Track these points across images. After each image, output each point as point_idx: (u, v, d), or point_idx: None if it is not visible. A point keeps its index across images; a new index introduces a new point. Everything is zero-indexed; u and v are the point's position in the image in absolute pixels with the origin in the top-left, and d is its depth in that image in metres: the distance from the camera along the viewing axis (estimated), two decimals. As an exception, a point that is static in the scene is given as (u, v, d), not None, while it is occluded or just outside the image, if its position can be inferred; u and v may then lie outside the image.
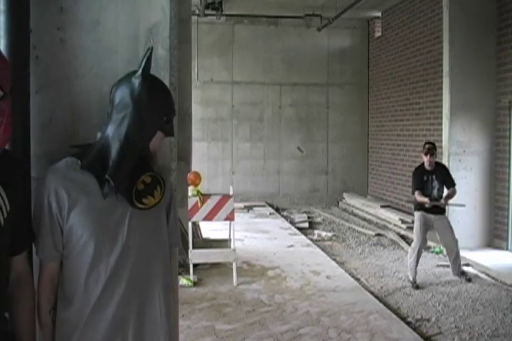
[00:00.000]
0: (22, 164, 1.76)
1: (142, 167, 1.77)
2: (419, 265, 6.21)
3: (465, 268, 6.49)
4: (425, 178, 6.22)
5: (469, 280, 6.21)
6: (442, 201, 6.18)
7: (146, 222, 1.79)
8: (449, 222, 6.27)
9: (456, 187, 6.31)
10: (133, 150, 1.74)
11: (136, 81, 1.74)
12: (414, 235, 6.34)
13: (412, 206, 6.60)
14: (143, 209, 1.75)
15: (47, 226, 1.73)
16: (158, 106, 1.77)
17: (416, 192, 6.20)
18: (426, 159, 6.22)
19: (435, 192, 6.20)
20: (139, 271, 1.77)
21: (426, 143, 6.37)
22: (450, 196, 6.27)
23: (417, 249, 6.15)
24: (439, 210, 6.22)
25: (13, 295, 1.68)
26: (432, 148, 6.20)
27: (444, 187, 6.28)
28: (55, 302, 1.79)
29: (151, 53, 1.76)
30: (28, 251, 1.76)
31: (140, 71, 1.75)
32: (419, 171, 6.32)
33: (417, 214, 6.29)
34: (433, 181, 6.21)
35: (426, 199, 6.08)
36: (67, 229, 1.73)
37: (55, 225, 1.73)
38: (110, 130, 1.75)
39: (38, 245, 1.75)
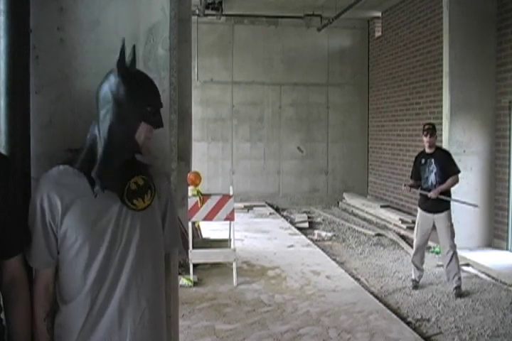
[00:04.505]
0: (10, 163, 1.71)
1: (134, 166, 1.78)
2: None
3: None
4: (423, 161, 5.89)
5: (460, 295, 5.67)
6: (432, 193, 5.70)
7: (140, 223, 1.78)
8: (446, 223, 5.75)
9: (457, 187, 5.99)
10: (118, 144, 1.73)
11: (112, 75, 1.74)
12: (414, 235, 6.17)
13: (410, 189, 6.34)
14: (133, 209, 1.74)
15: (40, 233, 1.72)
16: (137, 96, 1.73)
17: (411, 181, 6.11)
18: (425, 140, 5.85)
19: (432, 176, 5.80)
20: (136, 272, 1.77)
21: (425, 124, 6.07)
22: (447, 185, 5.77)
23: (415, 249, 6.00)
24: (437, 207, 5.77)
25: (8, 298, 1.69)
26: (430, 129, 5.84)
27: (446, 174, 5.81)
28: (50, 310, 1.77)
29: (123, 45, 1.74)
30: (24, 255, 1.75)
31: (116, 65, 1.73)
32: (419, 156, 6.02)
33: (418, 211, 6.05)
34: (431, 164, 5.83)
35: (409, 184, 6.03)
36: (61, 234, 1.73)
37: (48, 231, 1.72)
38: (96, 128, 1.75)
39: (31, 252, 1.73)
